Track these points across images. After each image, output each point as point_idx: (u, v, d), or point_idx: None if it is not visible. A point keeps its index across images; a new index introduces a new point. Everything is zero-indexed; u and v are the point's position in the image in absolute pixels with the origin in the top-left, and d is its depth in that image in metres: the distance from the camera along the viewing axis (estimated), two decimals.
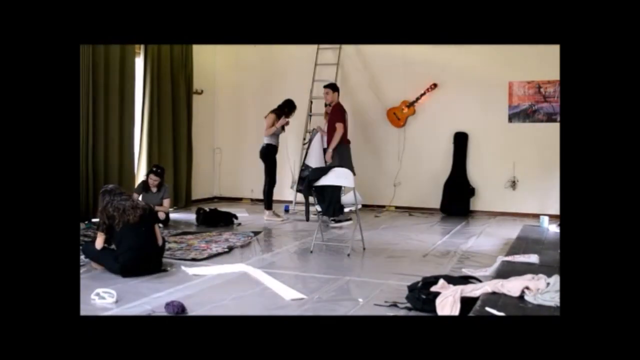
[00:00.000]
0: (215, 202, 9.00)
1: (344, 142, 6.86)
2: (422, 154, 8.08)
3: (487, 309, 2.70)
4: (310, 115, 8.26)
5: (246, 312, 3.25)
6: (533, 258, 3.88)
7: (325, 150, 6.87)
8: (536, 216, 6.47)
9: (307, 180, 5.15)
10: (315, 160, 6.84)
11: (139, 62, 7.36)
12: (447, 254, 5.10)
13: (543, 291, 2.86)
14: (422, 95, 7.97)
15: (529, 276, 3.12)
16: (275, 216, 7.12)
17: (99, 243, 4.13)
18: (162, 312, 3.19)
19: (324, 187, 5.08)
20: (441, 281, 3.29)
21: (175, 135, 7.99)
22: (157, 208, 6.14)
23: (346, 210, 5.23)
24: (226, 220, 6.56)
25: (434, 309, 3.06)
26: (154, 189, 6.37)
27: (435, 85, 7.95)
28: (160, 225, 6.18)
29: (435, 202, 7.97)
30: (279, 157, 7.41)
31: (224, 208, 8.14)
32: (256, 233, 5.96)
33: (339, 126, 6.75)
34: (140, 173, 7.28)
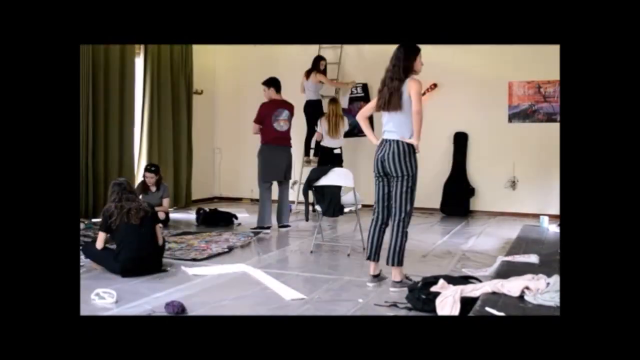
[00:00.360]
0: (215, 202, 8.99)
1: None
2: (422, 154, 8.05)
3: (487, 309, 2.70)
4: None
5: (246, 312, 3.25)
6: (533, 258, 3.88)
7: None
8: (536, 216, 6.46)
9: (307, 180, 5.15)
10: None
11: (139, 62, 7.37)
12: (447, 254, 5.10)
13: (543, 291, 2.86)
14: (422, 95, 7.95)
15: (529, 276, 3.12)
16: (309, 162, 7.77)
17: (100, 242, 4.13)
18: (162, 312, 3.19)
19: (323, 187, 5.08)
20: (441, 281, 3.29)
21: (175, 135, 7.99)
22: (157, 208, 6.12)
23: (346, 210, 5.23)
24: (226, 221, 6.56)
25: (434, 309, 3.06)
26: (153, 188, 6.36)
27: (435, 85, 7.94)
28: (161, 225, 6.18)
29: (436, 202, 7.97)
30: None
31: (223, 208, 8.14)
32: (256, 233, 5.96)
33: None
34: (140, 173, 7.28)
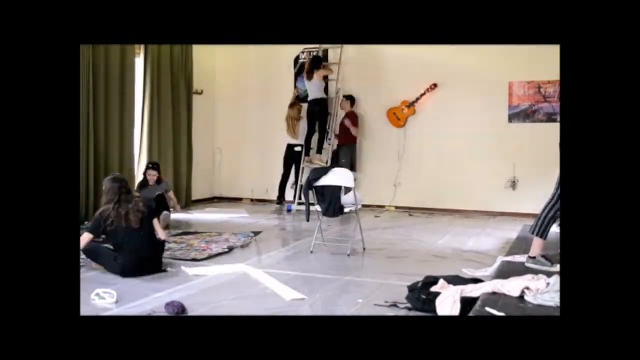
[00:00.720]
0: (215, 202, 9.01)
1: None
2: (422, 154, 8.08)
3: (487, 309, 2.70)
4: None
5: (246, 312, 3.25)
6: None
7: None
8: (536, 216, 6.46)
9: (307, 180, 5.15)
10: None
11: (139, 62, 7.37)
12: (447, 254, 5.10)
13: (543, 291, 2.86)
14: (422, 95, 7.97)
15: (529, 276, 3.12)
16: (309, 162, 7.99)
17: (83, 243, 4.01)
18: (162, 312, 3.19)
19: (324, 187, 5.08)
20: (441, 281, 3.29)
21: (175, 135, 7.99)
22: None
23: (346, 210, 5.23)
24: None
25: (434, 309, 3.06)
26: (153, 184, 6.39)
27: (435, 85, 7.95)
28: (171, 210, 6.19)
29: (436, 202, 7.98)
30: (281, 155, 8.01)
31: (224, 208, 8.17)
32: (256, 233, 5.96)
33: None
34: (140, 173, 7.28)
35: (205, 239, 5.56)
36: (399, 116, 8.10)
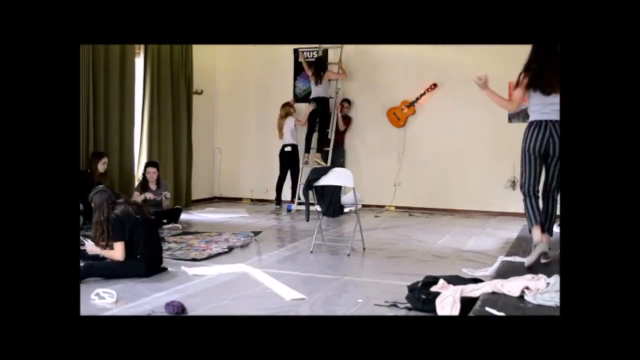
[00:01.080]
0: (215, 202, 9.01)
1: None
2: (422, 154, 8.08)
3: (487, 309, 2.70)
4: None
5: (246, 312, 3.25)
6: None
7: None
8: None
9: (307, 180, 5.15)
10: None
11: (139, 62, 7.36)
12: (447, 254, 5.10)
13: (543, 291, 2.86)
14: (422, 95, 7.97)
15: (529, 276, 3.12)
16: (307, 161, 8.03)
17: (121, 252, 3.95)
18: (162, 312, 3.19)
19: (324, 187, 5.08)
20: (441, 281, 3.29)
21: (175, 135, 7.99)
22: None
23: (346, 210, 5.23)
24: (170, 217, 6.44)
25: (434, 309, 3.06)
26: (153, 186, 6.39)
27: (435, 85, 7.94)
28: (164, 220, 6.21)
29: (436, 202, 7.98)
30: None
31: (223, 208, 8.17)
32: (256, 233, 5.96)
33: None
34: (140, 173, 7.28)
35: (206, 239, 5.56)
36: (399, 116, 8.10)
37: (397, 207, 8.15)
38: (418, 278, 3.55)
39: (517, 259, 3.94)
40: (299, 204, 7.72)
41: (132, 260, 3.99)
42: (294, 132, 8.08)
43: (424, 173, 8.07)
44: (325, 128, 8.07)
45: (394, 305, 3.37)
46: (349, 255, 4.94)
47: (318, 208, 5.18)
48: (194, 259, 4.64)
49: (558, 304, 2.67)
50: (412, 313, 3.25)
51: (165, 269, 4.21)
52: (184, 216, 6.75)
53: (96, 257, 4.08)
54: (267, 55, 8.77)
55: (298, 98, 8.61)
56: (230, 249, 5.10)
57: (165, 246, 4.86)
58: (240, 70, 9.06)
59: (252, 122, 8.98)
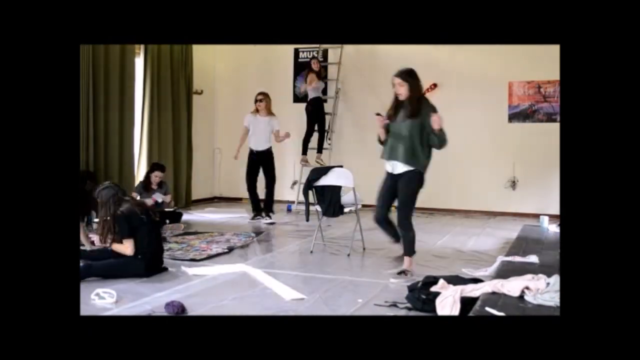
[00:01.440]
0: (215, 202, 9.00)
1: None
2: None
3: (487, 309, 2.70)
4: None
5: (246, 312, 3.25)
6: (532, 259, 3.88)
7: None
8: (536, 216, 6.47)
9: (307, 180, 5.15)
10: None
11: (139, 62, 7.37)
12: (447, 254, 5.10)
13: (543, 291, 2.86)
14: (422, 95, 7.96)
15: (529, 276, 3.12)
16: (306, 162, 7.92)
17: (130, 248, 3.99)
18: (162, 312, 3.19)
19: (323, 187, 5.08)
20: (441, 281, 3.29)
21: (175, 135, 7.99)
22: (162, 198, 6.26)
23: (346, 210, 5.23)
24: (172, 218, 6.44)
25: (434, 309, 3.06)
26: (156, 187, 6.38)
27: (435, 85, 7.94)
28: (167, 221, 6.21)
29: (436, 202, 7.97)
30: (282, 157, 7.77)
31: (223, 208, 8.16)
32: (258, 233, 5.96)
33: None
34: (140, 173, 7.28)
35: (207, 239, 5.56)
36: None
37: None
38: (418, 278, 3.56)
39: (517, 258, 3.95)
40: (298, 203, 7.72)
41: (133, 260, 3.99)
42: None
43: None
44: (322, 128, 8.03)
45: (394, 305, 3.37)
46: (349, 255, 4.94)
47: (318, 208, 5.18)
48: (192, 259, 4.63)
49: (558, 304, 2.67)
50: (412, 313, 3.25)
51: (165, 269, 4.21)
52: (184, 216, 6.74)
53: (96, 258, 4.08)
54: (267, 55, 8.77)
55: (298, 98, 8.60)
56: (231, 249, 5.09)
57: (165, 246, 4.86)
58: (240, 70, 9.07)
59: None
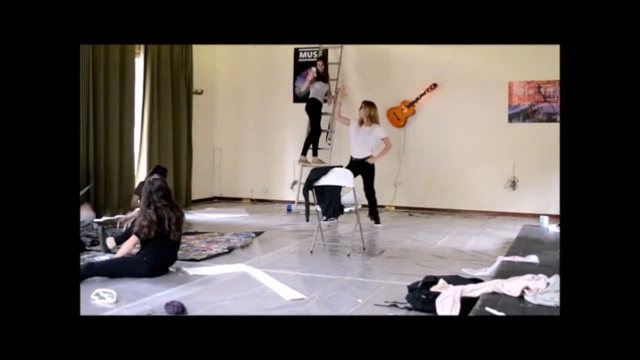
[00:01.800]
0: (215, 202, 9.00)
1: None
2: (422, 154, 8.08)
3: (487, 309, 2.70)
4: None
5: (246, 312, 3.25)
6: (532, 259, 3.88)
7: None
8: (536, 216, 6.47)
9: (307, 180, 5.15)
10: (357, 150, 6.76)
11: (139, 62, 7.36)
12: (447, 254, 5.10)
13: (543, 291, 2.86)
14: (422, 95, 7.97)
15: (529, 276, 3.12)
16: (305, 162, 7.80)
17: (127, 249, 4.04)
18: (162, 312, 3.19)
19: (323, 187, 5.08)
20: (441, 281, 3.29)
21: (175, 135, 7.99)
22: None
23: (346, 210, 5.23)
24: None
25: (434, 309, 3.06)
26: None
27: (435, 85, 7.95)
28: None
29: (436, 202, 7.98)
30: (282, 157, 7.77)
31: (223, 208, 8.14)
32: (258, 234, 5.95)
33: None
34: (140, 173, 7.27)
35: (207, 239, 5.56)
36: (399, 116, 8.10)
37: (397, 207, 8.15)
38: (418, 278, 3.55)
39: (517, 258, 3.94)
40: (299, 204, 7.72)
41: (136, 260, 4.01)
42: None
43: (424, 173, 8.07)
44: (315, 129, 7.86)
45: (394, 305, 3.37)
46: (349, 255, 4.94)
47: (318, 208, 5.18)
48: (192, 259, 4.63)
49: (558, 304, 2.67)
50: (412, 313, 3.25)
51: (168, 269, 4.21)
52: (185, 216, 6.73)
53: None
54: (267, 55, 8.77)
55: (298, 98, 8.60)
56: (231, 249, 5.09)
57: None
58: (240, 70, 9.07)
59: (252, 122, 8.98)
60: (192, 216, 7.33)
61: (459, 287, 3.10)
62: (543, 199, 7.45)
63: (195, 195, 8.51)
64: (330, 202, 5.10)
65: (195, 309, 3.26)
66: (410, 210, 8.01)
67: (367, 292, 3.70)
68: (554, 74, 7.20)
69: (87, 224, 5.81)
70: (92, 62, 6.40)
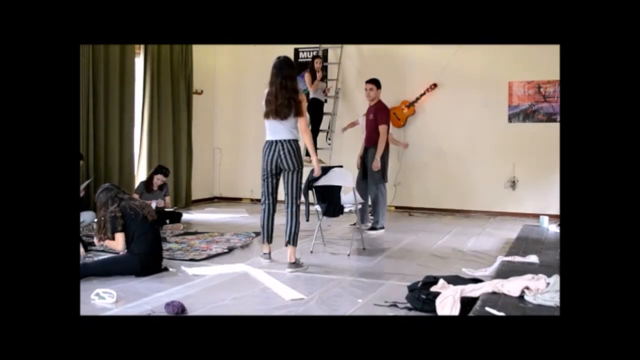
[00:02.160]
0: (215, 202, 9.00)
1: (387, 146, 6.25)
2: (422, 154, 8.08)
3: (487, 309, 2.70)
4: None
5: (246, 312, 3.25)
6: (532, 259, 3.88)
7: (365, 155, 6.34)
8: (536, 216, 6.47)
9: (307, 180, 5.15)
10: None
11: (139, 62, 7.37)
12: (446, 254, 5.10)
13: (543, 291, 2.86)
14: (422, 95, 7.97)
15: (529, 276, 3.12)
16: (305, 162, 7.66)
17: (121, 243, 4.05)
18: (162, 312, 3.19)
19: (323, 187, 5.08)
20: (441, 281, 3.29)
21: (175, 135, 7.99)
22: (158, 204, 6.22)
23: (346, 210, 5.22)
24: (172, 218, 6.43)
25: (434, 309, 3.06)
26: (157, 189, 6.38)
27: (435, 85, 7.95)
28: (167, 221, 6.20)
29: (436, 202, 7.98)
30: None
31: (223, 208, 8.14)
32: (257, 234, 5.95)
33: (384, 129, 6.12)
34: (140, 173, 7.28)
35: (207, 239, 5.56)
36: (399, 116, 8.10)
37: (397, 207, 8.15)
38: (418, 278, 3.55)
39: (517, 258, 3.94)
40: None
41: (127, 257, 4.03)
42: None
43: (424, 173, 8.07)
44: (315, 128, 7.81)
45: (394, 305, 3.37)
46: (349, 255, 4.94)
47: (318, 208, 5.18)
48: (192, 259, 4.63)
49: (558, 304, 2.67)
50: (412, 313, 3.25)
51: (165, 269, 4.22)
52: (184, 216, 6.75)
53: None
54: (267, 55, 8.74)
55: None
56: (231, 249, 5.09)
57: (165, 246, 4.87)
58: (240, 70, 9.06)
59: (252, 122, 8.96)
60: (192, 216, 7.33)
61: (459, 287, 3.10)
62: (543, 199, 7.45)
63: (195, 195, 8.51)
64: (330, 202, 5.10)
65: (195, 309, 3.26)
66: (410, 210, 8.01)
67: (367, 292, 3.70)
68: (554, 74, 7.20)
69: (87, 224, 5.82)
70: (92, 62, 6.40)
